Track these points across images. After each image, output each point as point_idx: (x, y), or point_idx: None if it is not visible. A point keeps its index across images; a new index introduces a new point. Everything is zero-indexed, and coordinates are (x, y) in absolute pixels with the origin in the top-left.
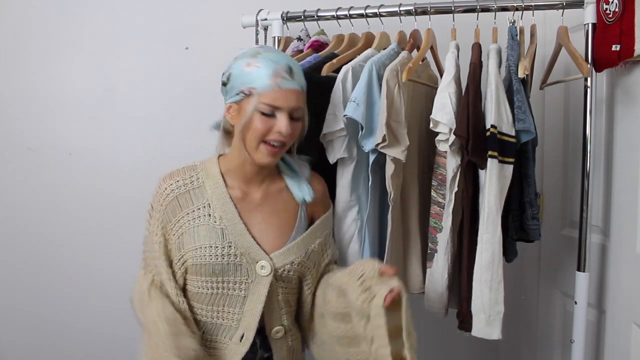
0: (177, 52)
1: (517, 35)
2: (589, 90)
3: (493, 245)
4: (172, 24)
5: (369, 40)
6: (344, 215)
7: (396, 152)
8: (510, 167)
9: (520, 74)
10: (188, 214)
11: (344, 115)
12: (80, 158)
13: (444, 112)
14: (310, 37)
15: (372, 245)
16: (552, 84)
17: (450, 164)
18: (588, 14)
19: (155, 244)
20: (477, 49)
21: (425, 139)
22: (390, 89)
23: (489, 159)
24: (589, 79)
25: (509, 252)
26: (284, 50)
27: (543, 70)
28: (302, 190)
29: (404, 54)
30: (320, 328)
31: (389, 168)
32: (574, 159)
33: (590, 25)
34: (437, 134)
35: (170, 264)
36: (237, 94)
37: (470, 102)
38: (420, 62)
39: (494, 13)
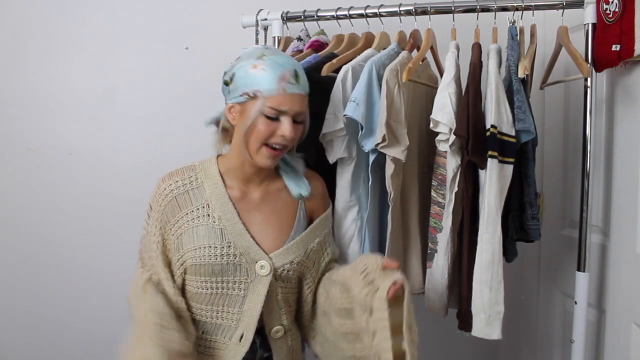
0: (177, 52)
1: (517, 35)
2: (589, 90)
3: (493, 245)
4: (172, 24)
5: (368, 40)
6: (344, 215)
7: (396, 152)
8: (510, 167)
9: (520, 74)
10: (187, 214)
11: (344, 115)
12: (80, 158)
13: (444, 112)
14: (310, 37)
15: (372, 245)
16: (552, 84)
17: (450, 164)
18: (588, 14)
19: (153, 244)
20: (477, 49)
21: (425, 139)
22: (390, 89)
23: (489, 159)
24: (589, 79)
25: (509, 252)
26: (284, 50)
27: (543, 70)
28: (298, 185)
29: (404, 54)
30: (324, 326)
31: (389, 168)
32: (574, 159)
33: (590, 25)
34: (437, 134)
35: (168, 263)
36: (241, 95)
37: (470, 102)
38: (420, 62)
39: (494, 13)
